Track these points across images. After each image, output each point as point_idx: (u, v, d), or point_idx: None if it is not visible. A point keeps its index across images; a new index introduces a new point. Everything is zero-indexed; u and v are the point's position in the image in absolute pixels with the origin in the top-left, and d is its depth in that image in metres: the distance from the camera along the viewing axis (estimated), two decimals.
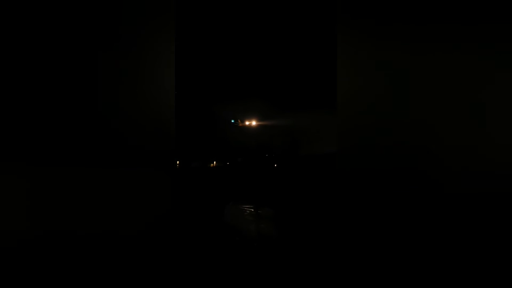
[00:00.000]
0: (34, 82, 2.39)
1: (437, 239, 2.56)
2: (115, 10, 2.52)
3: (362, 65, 2.72)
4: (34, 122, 2.40)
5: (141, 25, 2.63)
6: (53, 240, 2.49)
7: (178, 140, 2.92)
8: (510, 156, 2.38)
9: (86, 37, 2.49)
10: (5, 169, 2.42)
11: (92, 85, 2.44)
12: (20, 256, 2.42)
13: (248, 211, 10.05)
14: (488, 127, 2.41)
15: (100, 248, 2.53)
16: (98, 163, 2.48)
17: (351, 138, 2.76)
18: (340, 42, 2.80)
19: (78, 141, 2.42)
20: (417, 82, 2.59)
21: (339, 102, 2.83)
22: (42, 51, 2.42)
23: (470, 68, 2.41)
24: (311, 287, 3.43)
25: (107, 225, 2.56)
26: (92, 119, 2.45)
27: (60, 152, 2.39)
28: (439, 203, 2.54)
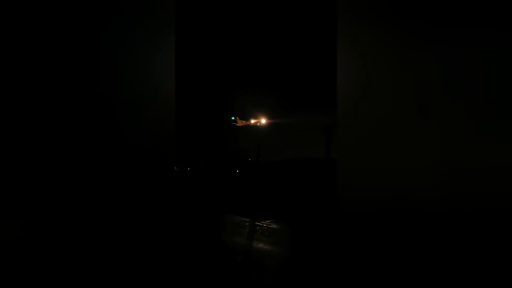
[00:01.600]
0: (36, 84, 2.19)
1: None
2: (117, 11, 2.36)
3: (362, 66, 2.76)
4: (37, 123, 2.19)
5: (142, 26, 2.49)
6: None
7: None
8: None
9: (86, 38, 2.30)
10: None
11: (93, 85, 2.24)
12: None
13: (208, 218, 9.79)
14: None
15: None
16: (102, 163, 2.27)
17: (351, 138, 2.78)
18: (340, 43, 2.82)
19: (82, 142, 2.21)
20: (417, 83, 2.68)
21: (339, 102, 2.84)
22: (45, 56, 2.24)
23: (474, 71, 2.53)
24: None
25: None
26: (92, 119, 2.24)
27: (66, 151, 2.18)
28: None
